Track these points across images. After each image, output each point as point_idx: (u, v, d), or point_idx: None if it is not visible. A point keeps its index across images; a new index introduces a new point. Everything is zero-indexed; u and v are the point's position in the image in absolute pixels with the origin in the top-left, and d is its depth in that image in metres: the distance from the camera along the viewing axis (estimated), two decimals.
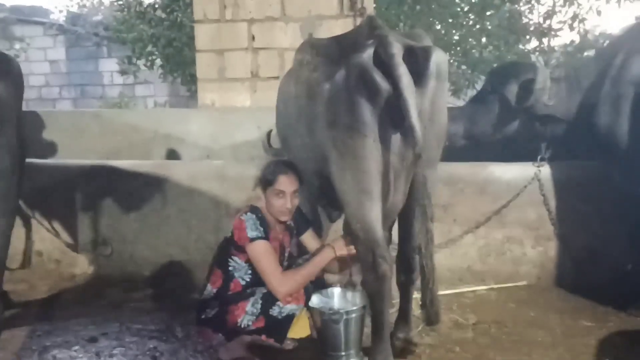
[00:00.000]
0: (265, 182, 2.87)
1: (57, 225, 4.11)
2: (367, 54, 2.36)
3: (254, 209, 2.87)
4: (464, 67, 8.83)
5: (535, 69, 3.71)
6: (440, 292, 3.53)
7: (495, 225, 3.80)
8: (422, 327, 3.13)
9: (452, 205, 3.82)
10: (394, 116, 2.34)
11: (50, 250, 4.16)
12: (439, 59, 2.40)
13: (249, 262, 2.85)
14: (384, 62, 2.33)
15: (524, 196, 3.74)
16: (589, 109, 3.51)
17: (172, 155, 5.48)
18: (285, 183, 2.84)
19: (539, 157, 3.75)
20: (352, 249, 2.77)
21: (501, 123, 3.96)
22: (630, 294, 3.42)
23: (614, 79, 3.34)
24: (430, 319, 2.56)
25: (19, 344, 3.05)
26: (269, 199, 2.86)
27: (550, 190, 3.77)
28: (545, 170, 3.77)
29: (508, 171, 3.82)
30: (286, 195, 2.84)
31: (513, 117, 3.90)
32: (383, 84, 2.33)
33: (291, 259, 3.06)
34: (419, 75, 2.34)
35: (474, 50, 8.64)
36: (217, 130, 5.47)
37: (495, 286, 3.76)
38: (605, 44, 3.65)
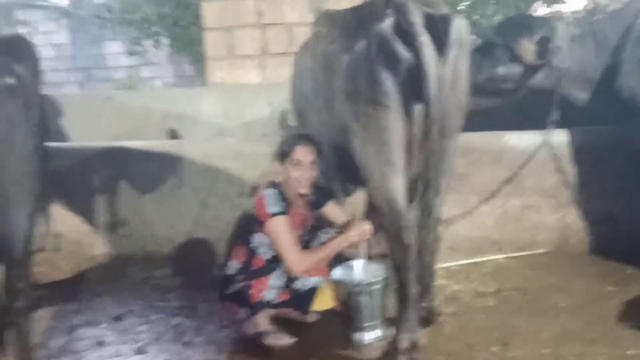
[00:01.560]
0: (283, 154, 2.87)
1: (75, 208, 4.14)
2: (387, 23, 2.33)
3: (273, 185, 2.87)
4: (473, 36, 8.71)
5: (552, 26, 3.59)
6: (459, 262, 3.64)
7: (512, 193, 3.79)
8: (444, 296, 3.16)
9: (469, 174, 3.80)
10: (415, 86, 2.32)
11: (69, 232, 4.18)
12: (460, 26, 2.37)
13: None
14: (404, 31, 2.30)
15: (541, 163, 3.72)
16: (611, 71, 3.44)
17: (174, 135, 5.46)
18: (303, 153, 2.83)
19: (547, 123, 3.69)
20: (369, 233, 2.81)
21: (509, 81, 3.81)
22: None
23: (638, 39, 3.26)
24: (427, 288, 2.66)
25: (46, 323, 3.10)
26: (287, 171, 2.86)
27: (567, 155, 3.75)
28: (561, 136, 3.74)
29: (524, 139, 3.79)
30: (304, 166, 2.83)
31: (523, 76, 3.73)
32: (404, 53, 2.30)
33: (311, 233, 3.06)
34: (441, 43, 2.31)
35: (483, 19, 8.52)
36: (228, 108, 5.46)
37: (515, 254, 3.77)
38: (622, 4, 3.51)
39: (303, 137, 2.88)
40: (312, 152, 2.85)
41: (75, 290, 3.55)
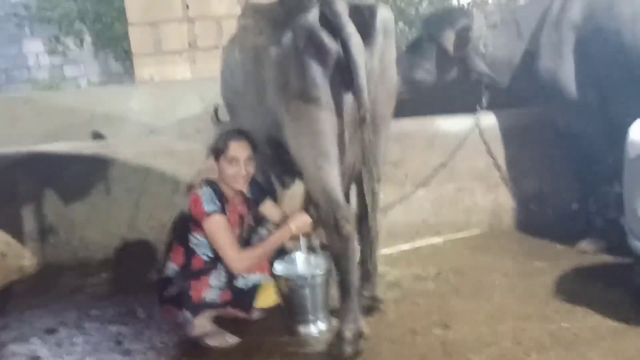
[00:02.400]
0: (217, 150, 2.80)
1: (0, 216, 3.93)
2: (313, 15, 2.32)
3: (209, 183, 2.80)
4: (401, 24, 8.83)
5: (471, 15, 3.71)
6: (399, 247, 3.70)
7: (446, 177, 3.88)
8: (385, 283, 3.20)
9: (403, 161, 3.86)
10: (344, 76, 2.32)
11: None
12: (385, 15, 2.39)
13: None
14: (330, 22, 2.29)
15: (473, 146, 3.83)
16: (530, 55, 3.57)
17: (98, 137, 5.25)
18: (238, 149, 2.77)
19: (477, 107, 3.82)
20: (309, 224, 2.80)
21: (439, 71, 3.91)
22: (578, 232, 3.57)
23: (554, 23, 3.41)
24: (369, 277, 2.67)
25: None
26: (223, 167, 2.79)
27: (495, 138, 3.87)
28: (490, 119, 3.86)
29: (455, 123, 3.89)
30: (239, 162, 2.77)
31: (450, 65, 3.85)
32: (331, 44, 2.30)
33: (250, 230, 3.02)
34: (367, 33, 2.32)
35: (410, 7, 8.64)
36: (158, 105, 5.28)
37: (451, 237, 3.86)
38: None
39: (237, 133, 2.82)
40: (247, 148, 2.79)
41: (3, 305, 3.37)
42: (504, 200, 3.94)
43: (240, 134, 2.81)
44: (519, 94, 3.84)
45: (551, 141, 3.80)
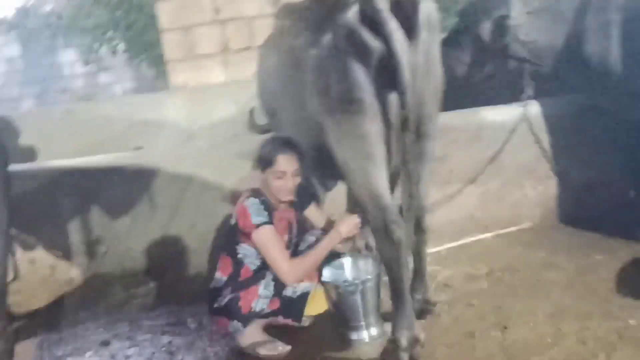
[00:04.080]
0: (264, 162, 2.74)
1: (45, 231, 3.96)
2: (353, 12, 2.24)
3: (255, 193, 2.75)
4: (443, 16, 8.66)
5: (508, 3, 3.59)
6: (446, 245, 3.59)
7: (492, 170, 3.75)
8: (436, 284, 3.11)
9: (448, 156, 3.74)
10: (388, 75, 2.22)
11: (42, 257, 4.01)
12: (428, 9, 2.28)
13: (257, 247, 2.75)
14: (371, 19, 2.20)
15: (518, 138, 3.69)
16: (575, 40, 3.42)
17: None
18: (286, 163, 2.70)
19: (523, 97, 3.68)
20: (358, 226, 2.73)
21: (477, 64, 3.85)
22: (636, 221, 3.40)
23: (600, 5, 3.25)
24: (420, 279, 2.65)
25: (31, 357, 2.95)
26: (269, 180, 2.74)
27: (542, 128, 3.72)
28: (535, 109, 3.71)
29: (500, 114, 3.75)
30: (287, 176, 2.71)
31: (489, 57, 3.78)
32: (373, 42, 2.21)
33: (300, 235, 2.97)
34: (410, 28, 2.22)
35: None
36: (193, 111, 5.29)
37: (500, 232, 3.73)
38: None
39: (285, 145, 2.73)
40: (295, 161, 2.72)
41: (56, 318, 3.40)
42: (554, 193, 3.79)
43: (288, 145, 2.73)
44: (563, 81, 3.68)
45: (600, 128, 3.63)
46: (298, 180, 2.76)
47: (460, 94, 3.77)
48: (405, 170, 2.34)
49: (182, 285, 3.66)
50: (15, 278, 3.92)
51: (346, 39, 2.26)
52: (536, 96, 3.69)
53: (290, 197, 2.80)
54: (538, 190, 3.79)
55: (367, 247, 3.10)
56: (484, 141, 3.69)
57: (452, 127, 3.66)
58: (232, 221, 2.78)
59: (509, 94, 3.70)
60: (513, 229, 3.76)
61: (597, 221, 3.58)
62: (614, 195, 3.65)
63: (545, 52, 3.56)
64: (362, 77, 2.27)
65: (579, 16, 3.39)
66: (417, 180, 2.39)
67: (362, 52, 2.25)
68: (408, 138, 2.28)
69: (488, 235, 3.73)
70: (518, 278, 3.13)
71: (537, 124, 3.68)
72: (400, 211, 2.48)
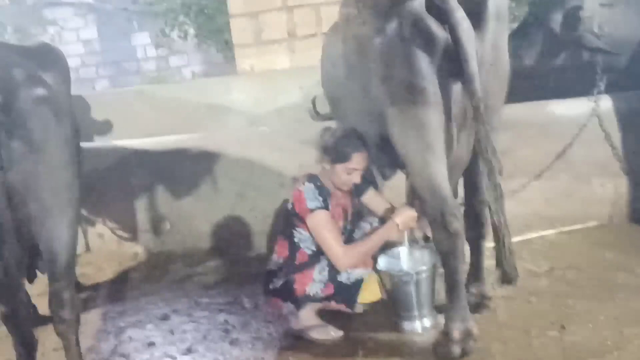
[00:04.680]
0: (338, 156, 2.74)
1: (114, 207, 4.15)
2: (419, 1, 2.21)
3: (311, 178, 2.78)
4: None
5: None
6: None
7: (559, 166, 3.63)
8: (494, 279, 3.04)
9: (512, 149, 3.64)
10: (453, 65, 2.19)
11: (109, 232, 4.21)
12: None
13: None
14: (438, 8, 2.17)
15: (589, 132, 3.55)
16: None
17: None
18: (360, 161, 2.73)
19: (595, 91, 3.54)
20: (415, 219, 2.71)
21: (548, 56, 3.73)
22: None
23: None
24: (509, 276, 2.42)
25: (94, 327, 3.12)
26: (338, 172, 2.76)
27: (613, 123, 3.57)
28: (607, 103, 3.56)
29: (569, 108, 3.62)
30: (357, 172, 2.75)
31: (560, 49, 3.65)
32: (439, 32, 2.18)
33: (355, 222, 2.98)
34: (477, 18, 2.18)
35: None
36: (259, 95, 5.39)
37: (565, 229, 3.62)
38: None
39: (359, 143, 2.73)
40: (367, 159, 2.75)
41: (120, 291, 3.57)
42: (624, 190, 3.62)
43: (362, 143, 2.74)
44: (639, 75, 3.51)
45: None
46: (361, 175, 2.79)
47: (529, 86, 3.69)
48: (484, 160, 2.27)
49: (241, 265, 3.75)
50: (86, 250, 4.17)
51: (412, 27, 2.23)
52: (610, 90, 3.53)
53: (350, 188, 2.83)
54: (608, 187, 3.63)
55: (425, 238, 3.08)
56: (551, 136, 3.58)
57: (518, 120, 3.56)
58: (289, 206, 2.82)
59: (581, 88, 3.55)
60: (579, 226, 3.63)
61: None
62: None
63: (620, 44, 3.41)
64: (426, 67, 2.24)
65: None
66: (499, 169, 2.32)
67: (427, 41, 2.22)
68: (482, 128, 2.22)
69: (552, 231, 3.62)
70: (581, 277, 3.03)
71: (609, 120, 3.53)
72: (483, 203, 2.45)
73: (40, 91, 2.22)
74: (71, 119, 2.39)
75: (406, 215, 2.72)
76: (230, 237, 3.98)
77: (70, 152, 2.33)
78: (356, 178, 2.77)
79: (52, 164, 2.24)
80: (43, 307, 2.61)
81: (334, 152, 2.75)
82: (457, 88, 2.27)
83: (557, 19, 3.53)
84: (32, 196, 2.19)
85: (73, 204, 2.33)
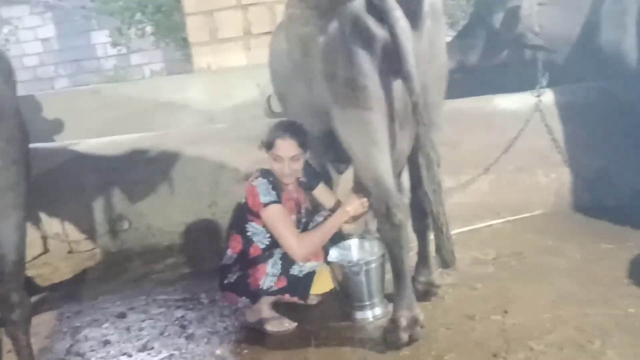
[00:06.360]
0: (266, 145, 2.83)
1: (71, 206, 4.14)
2: (359, 2, 2.28)
3: (264, 173, 2.84)
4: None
5: None
6: (456, 230, 3.64)
7: (504, 157, 3.77)
8: (440, 269, 3.16)
9: (460, 142, 3.78)
10: (392, 62, 2.28)
11: (67, 231, 4.19)
12: None
13: (266, 226, 2.84)
14: (376, 8, 2.25)
15: (532, 125, 3.70)
16: (589, 29, 3.42)
17: None
18: (282, 148, 2.77)
19: (537, 87, 3.69)
20: (365, 205, 2.77)
21: (491, 53, 3.87)
22: None
23: None
24: (447, 262, 2.51)
25: (49, 327, 3.12)
26: (271, 161, 2.83)
27: (555, 116, 3.73)
28: (549, 96, 3.72)
29: (513, 102, 3.76)
30: (284, 160, 2.79)
31: (502, 46, 3.81)
32: (378, 31, 2.26)
33: (308, 215, 3.05)
34: (414, 17, 2.26)
35: None
36: (216, 93, 5.42)
37: (511, 218, 3.76)
38: None
39: (285, 130, 2.79)
40: (293, 146, 2.78)
41: (77, 291, 3.57)
42: (567, 180, 3.79)
43: (289, 131, 2.79)
44: (577, 70, 3.67)
45: (614, 117, 3.62)
46: (298, 165, 2.83)
47: (474, 82, 3.83)
48: (423, 154, 2.37)
49: (200, 261, 3.79)
50: (43, 251, 4.14)
51: (352, 27, 2.31)
52: (550, 85, 3.69)
53: (289, 180, 2.88)
54: (551, 177, 3.80)
55: (378, 229, 3.17)
56: (497, 128, 3.71)
57: (464, 113, 3.70)
58: (242, 200, 2.88)
59: (523, 83, 3.70)
60: (525, 215, 3.78)
61: (610, 210, 3.58)
62: (627, 184, 3.64)
63: (560, 41, 3.57)
64: (367, 65, 2.31)
65: (594, 5, 3.38)
66: (436, 162, 2.41)
67: (367, 40, 2.29)
68: (421, 123, 2.31)
69: (499, 221, 3.76)
70: (524, 263, 3.17)
71: (550, 113, 3.68)
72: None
73: None
74: (17, 120, 2.38)
75: (356, 202, 2.80)
76: (188, 233, 4.01)
77: (15, 154, 2.32)
78: (286, 168, 2.79)
79: None
80: None
81: (264, 141, 2.83)
82: (398, 85, 2.34)
83: (498, 19, 3.65)
84: None
85: (20, 206, 2.32)
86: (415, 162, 2.67)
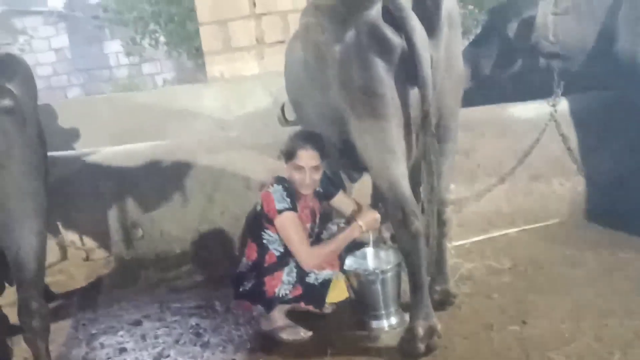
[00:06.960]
0: (287, 155, 2.83)
1: (86, 214, 4.15)
2: (376, 10, 2.30)
3: (279, 180, 2.84)
4: (470, 6, 8.55)
5: (535, 4, 3.60)
6: (472, 239, 3.62)
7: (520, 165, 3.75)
8: (458, 276, 3.15)
9: (474, 150, 3.76)
10: (409, 71, 2.28)
11: (83, 239, 4.20)
12: (449, 4, 2.33)
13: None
14: (393, 16, 2.26)
15: (547, 133, 3.69)
16: (605, 37, 3.40)
17: None
18: (304, 158, 2.77)
19: (552, 96, 3.68)
20: (379, 221, 2.80)
21: (505, 62, 3.87)
22: None
23: (632, 3, 3.22)
24: (441, 270, 2.58)
25: (65, 334, 3.13)
26: (290, 171, 2.83)
27: (570, 124, 3.71)
28: (564, 105, 3.70)
29: (527, 110, 3.75)
30: (305, 170, 2.78)
31: (516, 56, 3.81)
32: (395, 39, 2.27)
33: (322, 224, 3.05)
34: (431, 25, 2.27)
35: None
36: (229, 101, 5.44)
37: (527, 227, 3.74)
38: None
39: (307, 140, 2.79)
40: (314, 157, 2.78)
41: (92, 298, 3.58)
42: (582, 188, 3.76)
43: (309, 141, 2.79)
44: (593, 78, 3.65)
45: (630, 125, 3.59)
46: (318, 175, 2.83)
47: (489, 90, 3.82)
48: (426, 163, 2.38)
49: (213, 268, 3.79)
50: (61, 259, 4.16)
51: (369, 35, 2.32)
52: (566, 93, 3.68)
53: (309, 190, 2.87)
54: (566, 186, 3.77)
55: (392, 238, 3.16)
56: (511, 136, 3.69)
57: (479, 121, 3.68)
58: (258, 207, 2.88)
59: (538, 92, 3.69)
60: (540, 224, 3.75)
61: (626, 219, 3.53)
62: None
63: (575, 49, 3.56)
64: (383, 73, 2.33)
65: (609, 13, 3.36)
66: (437, 174, 2.42)
67: (384, 48, 2.30)
68: (428, 133, 2.32)
69: (514, 230, 3.73)
70: (541, 273, 3.15)
71: (565, 121, 3.66)
72: (422, 205, 2.55)
73: (5, 102, 2.25)
74: (37, 128, 2.42)
75: (369, 217, 2.81)
76: (201, 241, 4.01)
77: (36, 161, 2.35)
78: (307, 178, 2.79)
79: (17, 173, 2.26)
80: (13, 317, 2.63)
81: (284, 151, 2.83)
82: (414, 93, 2.35)
83: (512, 28, 3.68)
84: None
85: (40, 213, 2.35)
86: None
